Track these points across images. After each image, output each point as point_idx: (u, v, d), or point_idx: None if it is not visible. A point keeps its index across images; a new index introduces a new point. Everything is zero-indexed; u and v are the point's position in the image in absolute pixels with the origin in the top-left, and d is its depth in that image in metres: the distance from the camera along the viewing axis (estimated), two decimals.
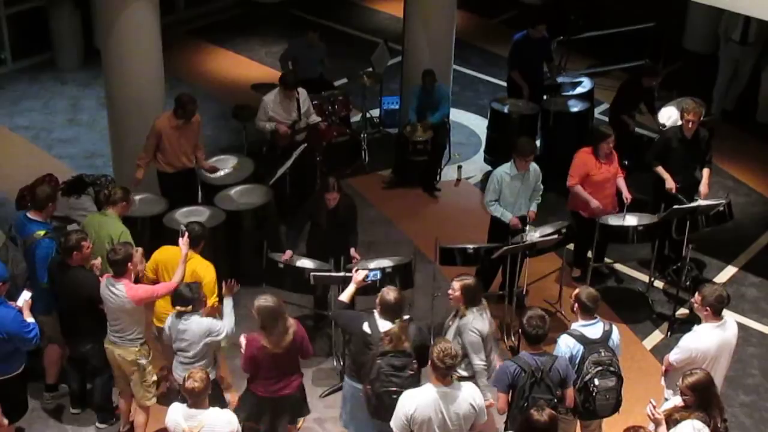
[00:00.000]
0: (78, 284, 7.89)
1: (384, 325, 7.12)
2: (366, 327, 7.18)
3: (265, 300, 7.22)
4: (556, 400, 6.83)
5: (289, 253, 9.08)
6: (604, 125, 10.08)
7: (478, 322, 7.35)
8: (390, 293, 7.18)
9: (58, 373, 8.64)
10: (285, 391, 7.46)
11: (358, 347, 7.30)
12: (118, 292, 7.65)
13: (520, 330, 6.93)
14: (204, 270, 8.10)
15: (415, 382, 6.95)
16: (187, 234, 8.10)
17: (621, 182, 9.86)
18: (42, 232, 8.29)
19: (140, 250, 8.21)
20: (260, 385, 7.45)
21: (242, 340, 7.34)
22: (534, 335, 6.86)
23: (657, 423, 6.55)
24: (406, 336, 6.99)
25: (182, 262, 7.99)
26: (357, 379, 7.37)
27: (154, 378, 8.07)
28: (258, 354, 7.27)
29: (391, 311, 7.15)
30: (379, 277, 8.48)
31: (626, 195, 9.75)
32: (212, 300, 8.00)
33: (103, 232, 8.51)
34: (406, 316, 7.20)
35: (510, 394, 6.89)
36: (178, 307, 7.52)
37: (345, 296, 7.63)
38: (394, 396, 6.79)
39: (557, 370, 6.85)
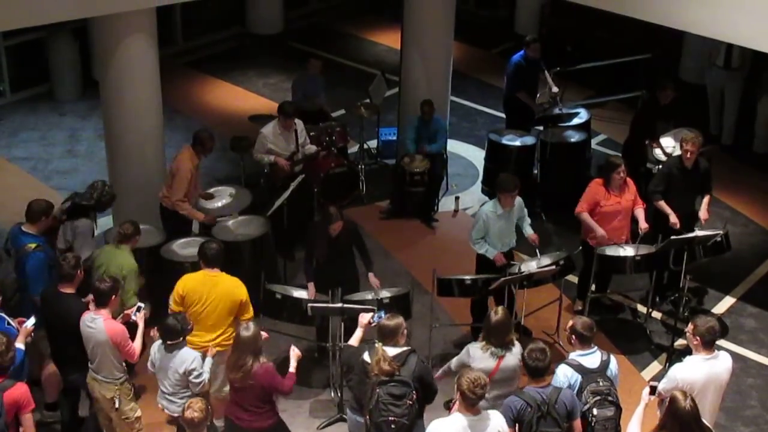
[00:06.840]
0: (68, 311, 7.75)
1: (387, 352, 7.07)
2: (366, 356, 7.14)
3: (244, 329, 7.22)
4: None
5: (312, 289, 9.10)
6: (613, 156, 10.00)
7: (480, 353, 7.38)
8: (392, 319, 7.19)
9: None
10: (242, 423, 7.32)
11: (359, 377, 7.24)
12: (94, 324, 7.49)
13: (522, 363, 6.92)
14: (240, 290, 8.13)
15: (414, 413, 6.91)
16: (143, 309, 7.90)
17: (639, 212, 9.78)
18: (33, 245, 8.30)
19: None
20: (230, 400, 7.45)
21: None
22: (534, 368, 6.82)
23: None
24: (392, 360, 6.92)
25: (140, 335, 7.77)
26: (360, 412, 7.30)
27: (138, 413, 7.90)
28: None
29: (389, 336, 7.11)
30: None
31: (642, 225, 9.68)
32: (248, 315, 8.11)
33: (113, 263, 8.48)
34: (408, 347, 7.16)
35: (517, 429, 6.82)
36: (168, 342, 7.50)
37: (354, 341, 7.60)
38: (393, 426, 6.74)
39: (563, 402, 6.80)
